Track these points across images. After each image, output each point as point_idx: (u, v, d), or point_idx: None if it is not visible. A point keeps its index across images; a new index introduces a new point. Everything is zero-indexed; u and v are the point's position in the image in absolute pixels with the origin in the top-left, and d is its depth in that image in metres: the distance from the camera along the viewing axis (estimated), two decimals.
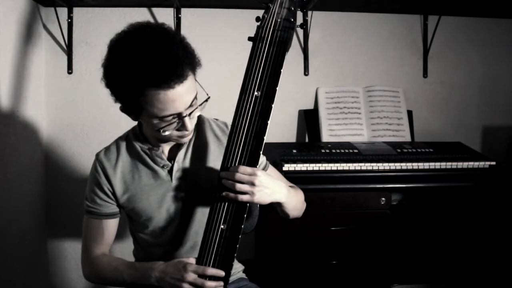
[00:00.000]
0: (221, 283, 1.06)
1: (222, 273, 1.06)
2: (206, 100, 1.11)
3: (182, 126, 1.08)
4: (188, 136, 1.13)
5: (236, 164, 1.06)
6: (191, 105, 1.06)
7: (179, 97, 1.02)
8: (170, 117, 1.05)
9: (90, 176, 1.23)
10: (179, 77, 1.00)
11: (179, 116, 1.05)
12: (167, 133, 1.08)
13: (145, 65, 0.98)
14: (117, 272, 1.17)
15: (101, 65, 1.06)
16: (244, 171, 1.04)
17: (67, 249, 2.24)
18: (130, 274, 1.14)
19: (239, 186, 1.04)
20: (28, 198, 2.03)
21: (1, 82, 1.77)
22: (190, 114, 1.07)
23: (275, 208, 1.20)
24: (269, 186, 1.07)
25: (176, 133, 1.10)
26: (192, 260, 1.08)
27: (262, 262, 1.91)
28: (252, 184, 1.04)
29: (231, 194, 1.05)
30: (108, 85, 1.06)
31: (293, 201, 1.20)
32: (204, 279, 1.05)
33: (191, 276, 1.05)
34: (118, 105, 1.11)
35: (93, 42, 2.18)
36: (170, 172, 1.19)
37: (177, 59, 1.00)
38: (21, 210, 1.93)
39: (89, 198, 1.21)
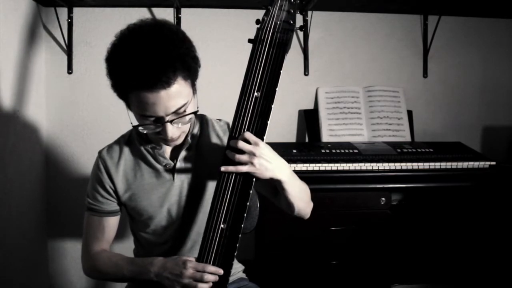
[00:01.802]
0: (216, 277, 1.06)
1: (221, 271, 1.06)
2: (194, 113, 1.10)
3: (162, 131, 1.07)
4: (173, 142, 1.12)
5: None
6: (176, 113, 1.04)
7: (160, 101, 1.00)
8: (151, 118, 1.04)
9: (92, 173, 1.23)
10: (164, 83, 0.99)
11: (160, 121, 1.05)
12: (145, 131, 1.09)
13: (131, 67, 0.98)
14: (116, 268, 1.17)
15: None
16: (249, 137, 1.04)
17: (67, 249, 2.24)
18: (130, 270, 1.15)
19: (238, 157, 1.04)
20: (28, 198, 2.03)
21: (1, 82, 1.78)
22: (172, 121, 1.05)
23: (279, 199, 1.17)
24: (270, 160, 1.05)
25: (155, 136, 1.10)
26: (192, 259, 1.08)
27: (262, 262, 1.91)
28: (253, 154, 1.03)
29: (231, 167, 1.04)
30: (107, 75, 1.07)
31: (296, 187, 1.16)
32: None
33: (190, 272, 1.05)
34: (118, 105, 1.11)
35: (93, 42, 2.18)
36: (172, 171, 1.19)
37: (166, 65, 0.99)
38: (21, 210, 1.94)
39: (90, 195, 1.21)
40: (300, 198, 1.18)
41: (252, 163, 1.03)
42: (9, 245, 1.81)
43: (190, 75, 1.05)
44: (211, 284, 1.05)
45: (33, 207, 2.08)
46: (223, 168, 1.05)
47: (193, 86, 1.09)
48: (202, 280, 1.04)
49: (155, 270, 1.09)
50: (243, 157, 1.04)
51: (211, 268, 1.05)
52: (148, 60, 0.98)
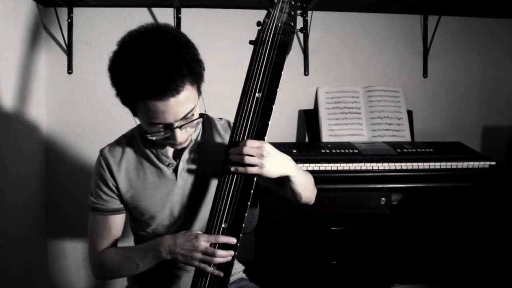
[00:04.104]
0: (232, 252, 1.06)
1: (233, 240, 1.06)
2: (202, 116, 1.10)
3: (171, 136, 1.07)
4: (182, 145, 1.12)
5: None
6: (185, 118, 1.04)
7: (170, 109, 1.00)
8: (160, 125, 1.05)
9: (94, 172, 1.21)
10: (173, 91, 0.98)
11: (169, 127, 1.05)
12: (154, 138, 1.08)
13: (138, 77, 0.97)
14: (126, 259, 1.16)
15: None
16: (251, 144, 1.04)
17: (67, 249, 2.24)
18: (140, 256, 1.13)
19: (248, 158, 1.04)
20: (28, 198, 2.03)
21: (2, 83, 1.78)
22: (181, 126, 1.05)
23: (284, 191, 1.18)
24: (277, 158, 1.07)
25: (164, 141, 1.10)
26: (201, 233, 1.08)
27: (262, 262, 1.91)
28: (261, 155, 1.04)
29: (240, 168, 1.05)
30: (111, 84, 1.07)
31: (303, 178, 1.17)
32: (215, 248, 1.05)
33: (203, 245, 1.04)
34: (118, 105, 1.10)
35: (93, 42, 2.18)
36: (175, 170, 1.19)
37: (174, 72, 0.98)
38: (21, 210, 1.93)
39: (94, 194, 1.20)
40: (306, 188, 1.20)
41: (261, 164, 1.04)
42: (9, 245, 1.81)
43: (197, 80, 1.05)
44: (229, 258, 1.05)
45: (33, 207, 2.08)
46: (233, 169, 1.05)
47: (199, 89, 1.08)
48: (214, 256, 1.04)
49: (166, 249, 1.08)
50: (253, 159, 1.04)
51: (223, 238, 1.05)
52: (155, 68, 0.97)
